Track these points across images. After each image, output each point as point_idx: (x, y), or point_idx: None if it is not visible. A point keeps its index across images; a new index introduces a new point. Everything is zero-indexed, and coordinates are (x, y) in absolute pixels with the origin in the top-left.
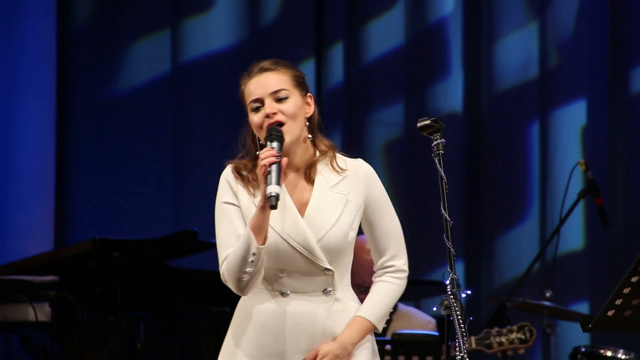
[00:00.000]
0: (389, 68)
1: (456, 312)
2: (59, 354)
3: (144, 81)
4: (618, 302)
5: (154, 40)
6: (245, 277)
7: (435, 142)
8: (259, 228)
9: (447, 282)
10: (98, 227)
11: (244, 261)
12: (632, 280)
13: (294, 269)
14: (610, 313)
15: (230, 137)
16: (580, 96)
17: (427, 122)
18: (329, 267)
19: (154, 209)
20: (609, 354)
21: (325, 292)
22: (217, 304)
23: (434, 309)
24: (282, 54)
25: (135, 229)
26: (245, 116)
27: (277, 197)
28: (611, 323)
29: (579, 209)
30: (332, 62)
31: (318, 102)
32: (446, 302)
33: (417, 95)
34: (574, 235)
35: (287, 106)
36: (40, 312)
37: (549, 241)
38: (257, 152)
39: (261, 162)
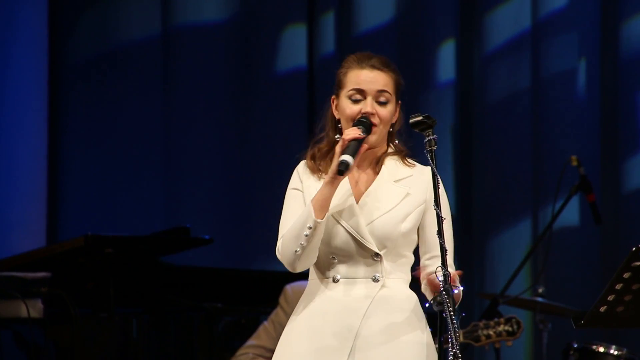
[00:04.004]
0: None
1: (448, 308)
2: (51, 350)
3: (137, 78)
4: (610, 298)
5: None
6: (298, 250)
7: (427, 139)
8: (321, 202)
9: (440, 278)
10: (90, 224)
11: (299, 233)
12: (624, 276)
13: (344, 253)
14: (602, 309)
15: (224, 132)
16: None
17: (420, 118)
18: (377, 251)
19: (147, 205)
20: (601, 349)
21: (374, 279)
22: (209, 300)
23: (427, 305)
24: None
25: (128, 225)
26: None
27: (347, 164)
28: (603, 319)
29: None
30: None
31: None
32: (439, 298)
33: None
34: (566, 231)
35: (385, 112)
36: (33, 309)
37: (542, 237)
38: (337, 136)
39: (344, 137)
